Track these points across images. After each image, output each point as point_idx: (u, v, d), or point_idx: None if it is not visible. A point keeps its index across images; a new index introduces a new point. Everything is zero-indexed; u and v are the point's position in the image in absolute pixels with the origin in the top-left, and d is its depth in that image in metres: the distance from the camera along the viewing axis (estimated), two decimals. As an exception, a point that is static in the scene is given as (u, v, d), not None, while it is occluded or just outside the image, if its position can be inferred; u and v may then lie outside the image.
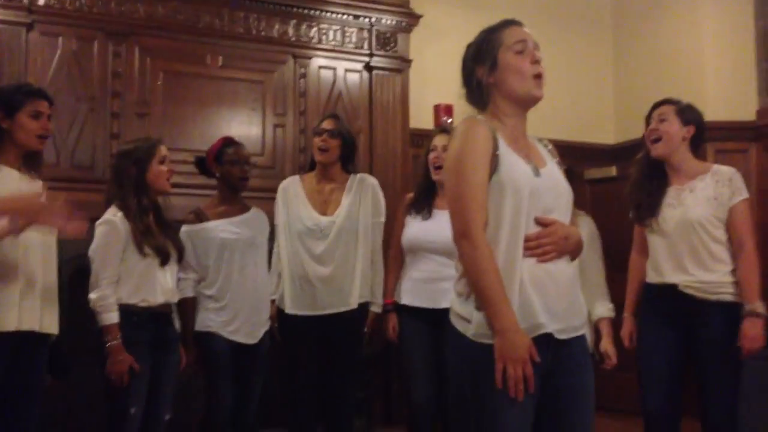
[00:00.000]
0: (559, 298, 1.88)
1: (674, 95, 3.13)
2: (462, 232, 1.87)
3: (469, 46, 2.05)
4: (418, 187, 3.38)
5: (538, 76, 1.96)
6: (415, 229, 3.26)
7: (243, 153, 3.32)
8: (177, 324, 3.01)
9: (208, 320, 3.16)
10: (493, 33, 2.00)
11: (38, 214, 2.39)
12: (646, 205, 2.97)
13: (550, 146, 2.11)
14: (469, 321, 1.88)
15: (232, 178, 3.28)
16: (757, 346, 2.77)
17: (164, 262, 2.87)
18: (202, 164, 3.38)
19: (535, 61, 1.96)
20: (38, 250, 2.59)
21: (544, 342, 1.84)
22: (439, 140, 3.26)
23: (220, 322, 3.15)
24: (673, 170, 2.98)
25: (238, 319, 3.17)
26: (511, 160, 1.90)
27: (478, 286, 1.84)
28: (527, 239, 1.86)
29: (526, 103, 1.99)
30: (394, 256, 3.38)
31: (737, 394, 2.83)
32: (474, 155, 1.87)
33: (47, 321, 2.61)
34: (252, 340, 3.19)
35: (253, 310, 3.21)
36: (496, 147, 1.89)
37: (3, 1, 4.00)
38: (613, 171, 5.32)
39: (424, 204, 3.27)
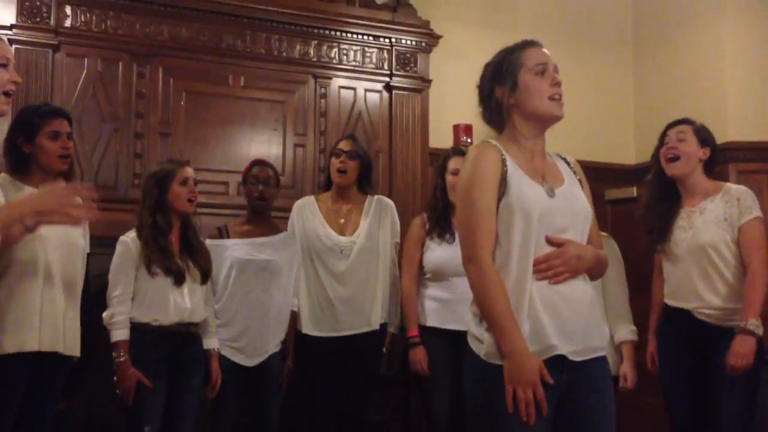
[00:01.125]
0: (574, 318, 1.87)
1: (696, 115, 3.12)
2: (469, 257, 1.89)
3: (487, 66, 2.06)
4: (434, 210, 3.28)
5: (557, 97, 1.97)
6: (441, 253, 3.19)
7: (262, 174, 3.32)
8: (214, 343, 3.02)
9: None
10: (513, 54, 2.01)
11: (54, 207, 2.18)
12: (658, 230, 2.95)
13: (573, 162, 2.10)
14: (481, 342, 1.89)
15: (249, 197, 3.31)
16: (742, 364, 2.70)
17: (178, 281, 2.88)
18: None
19: (555, 83, 1.97)
20: (60, 265, 2.57)
21: (559, 363, 1.83)
22: (456, 163, 3.24)
23: (221, 340, 3.14)
24: (686, 191, 2.96)
25: (239, 340, 3.15)
26: (521, 183, 1.90)
27: (486, 309, 1.85)
28: (537, 262, 1.85)
29: (546, 122, 2.00)
30: (411, 283, 3.26)
31: (749, 421, 2.78)
32: (482, 181, 1.90)
33: (70, 343, 2.60)
34: (250, 363, 3.15)
35: (258, 335, 3.16)
36: (505, 171, 1.89)
37: (30, 23, 4.08)
38: (633, 191, 5.26)
39: (445, 228, 3.21)
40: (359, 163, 3.35)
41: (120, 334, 2.81)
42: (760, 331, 2.72)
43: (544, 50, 2.02)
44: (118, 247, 2.92)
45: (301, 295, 3.28)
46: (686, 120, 3.03)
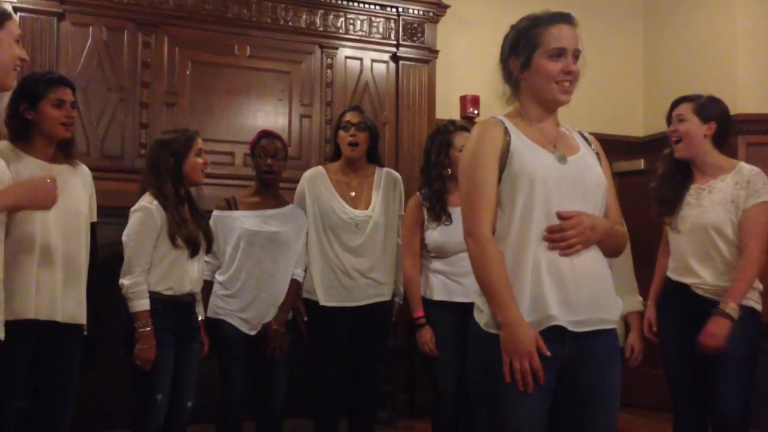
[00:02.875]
0: (580, 289, 1.86)
1: (705, 87, 3.09)
2: (468, 230, 1.91)
3: (512, 29, 2.00)
4: (431, 190, 3.18)
5: (565, 88, 1.92)
6: (439, 233, 3.17)
7: (271, 146, 3.29)
8: (200, 311, 3.05)
9: (216, 307, 3.17)
10: (537, 28, 1.94)
11: (39, 196, 2.25)
12: (668, 202, 2.94)
13: (590, 138, 2.07)
14: (482, 311, 1.91)
15: (258, 170, 3.29)
16: (713, 344, 2.68)
17: (194, 253, 2.90)
18: None
19: (567, 71, 1.91)
20: (60, 233, 2.56)
21: (559, 335, 1.83)
22: (463, 139, 3.20)
23: (229, 310, 3.16)
24: (697, 169, 2.94)
25: (247, 311, 3.17)
26: (526, 151, 1.89)
27: (482, 281, 1.88)
28: (551, 230, 1.85)
29: (550, 105, 1.97)
30: (413, 266, 3.20)
31: (748, 397, 2.78)
32: (483, 156, 1.90)
33: (71, 310, 2.58)
34: (253, 332, 3.17)
35: (264, 306, 3.18)
36: (507, 143, 1.90)
37: (35, -9, 4.06)
38: (641, 164, 5.25)
39: (440, 211, 3.17)
40: (369, 135, 3.33)
41: (144, 303, 2.78)
42: (736, 315, 2.71)
43: (572, 29, 1.94)
44: (140, 214, 2.84)
45: (314, 266, 3.27)
46: (687, 98, 2.97)
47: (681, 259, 2.89)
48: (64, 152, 2.68)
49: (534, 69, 1.92)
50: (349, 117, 3.33)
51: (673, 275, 2.94)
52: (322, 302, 3.23)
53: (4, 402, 2.43)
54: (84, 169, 2.75)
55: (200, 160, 2.96)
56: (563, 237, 1.85)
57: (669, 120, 2.99)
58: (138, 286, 2.80)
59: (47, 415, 2.57)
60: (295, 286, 3.27)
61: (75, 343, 2.63)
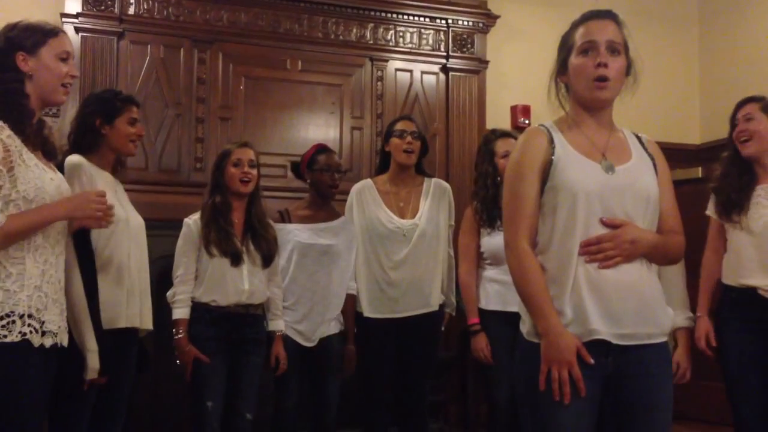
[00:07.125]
0: (623, 302, 1.81)
1: (763, 94, 3.02)
2: (507, 242, 1.91)
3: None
4: (483, 199, 3.22)
5: (599, 79, 1.86)
6: (497, 239, 3.16)
7: (334, 161, 3.35)
8: (279, 326, 3.09)
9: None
10: (570, 30, 1.94)
11: (91, 213, 2.14)
12: (735, 200, 2.86)
13: (646, 141, 2.01)
14: (524, 321, 1.91)
15: (321, 185, 3.31)
16: None
17: (235, 262, 2.94)
18: (297, 169, 3.44)
19: (599, 64, 1.85)
20: (134, 244, 2.68)
21: (603, 346, 1.80)
22: (504, 146, 3.21)
23: (286, 321, 3.19)
24: (762, 168, 2.88)
25: (302, 322, 3.20)
26: (570, 163, 1.86)
27: (522, 291, 1.87)
28: (587, 243, 1.82)
29: (591, 105, 1.92)
30: (469, 273, 3.25)
31: None
32: (524, 168, 1.89)
33: (146, 317, 2.72)
34: (309, 344, 3.19)
35: (319, 317, 3.20)
36: (551, 154, 1.87)
37: (95, 12, 4.20)
38: (698, 172, 5.14)
39: (496, 215, 3.17)
40: (422, 144, 3.37)
41: (180, 312, 2.92)
42: None
43: (601, 22, 1.89)
44: (183, 229, 3.02)
45: (360, 277, 3.29)
46: (752, 98, 2.95)
47: (749, 260, 2.78)
48: (120, 166, 2.79)
49: (570, 70, 1.91)
50: (404, 125, 3.35)
51: (734, 281, 2.83)
52: (367, 313, 3.24)
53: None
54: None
55: (237, 170, 3.00)
56: (599, 249, 1.81)
57: (733, 122, 2.94)
58: (176, 295, 2.94)
59: (107, 412, 2.63)
60: (351, 300, 3.29)
61: (134, 346, 2.72)
